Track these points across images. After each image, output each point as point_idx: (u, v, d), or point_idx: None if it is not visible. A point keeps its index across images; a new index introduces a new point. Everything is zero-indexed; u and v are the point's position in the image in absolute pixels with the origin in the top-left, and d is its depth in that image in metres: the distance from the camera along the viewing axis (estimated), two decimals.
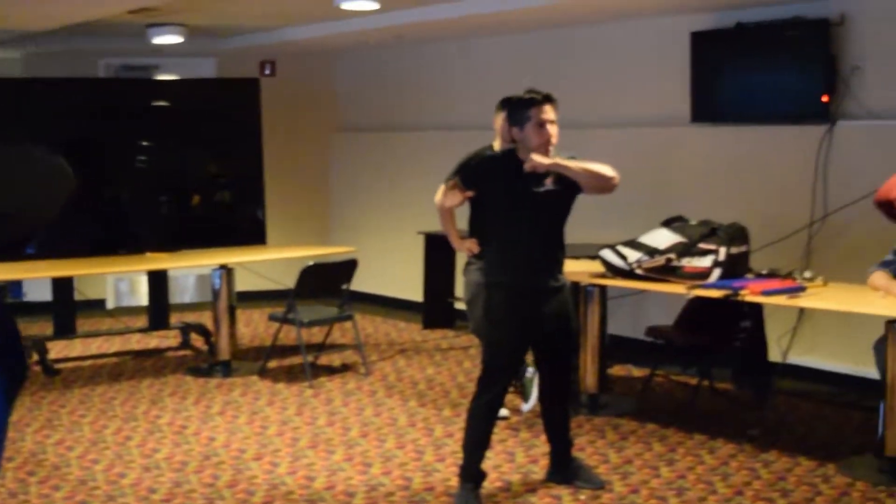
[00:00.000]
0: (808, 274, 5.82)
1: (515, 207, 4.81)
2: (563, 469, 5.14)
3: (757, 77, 7.18)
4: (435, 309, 9.12)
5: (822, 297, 5.51)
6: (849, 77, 6.69)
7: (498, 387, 4.88)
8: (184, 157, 9.03)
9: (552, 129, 4.72)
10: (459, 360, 7.92)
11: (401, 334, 9.00)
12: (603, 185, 4.78)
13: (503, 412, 6.05)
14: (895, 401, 5.07)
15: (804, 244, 6.84)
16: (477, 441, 4.88)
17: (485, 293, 4.90)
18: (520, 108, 4.74)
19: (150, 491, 5.13)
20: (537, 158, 4.68)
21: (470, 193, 4.96)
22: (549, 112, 4.72)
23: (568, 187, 4.80)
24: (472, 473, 4.86)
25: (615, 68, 8.20)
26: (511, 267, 4.80)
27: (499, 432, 5.77)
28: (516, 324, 4.81)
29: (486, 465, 5.02)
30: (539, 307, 4.81)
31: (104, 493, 5.09)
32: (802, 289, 5.57)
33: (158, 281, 8.52)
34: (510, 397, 6.37)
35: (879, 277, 5.38)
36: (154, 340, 8.76)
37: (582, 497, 4.95)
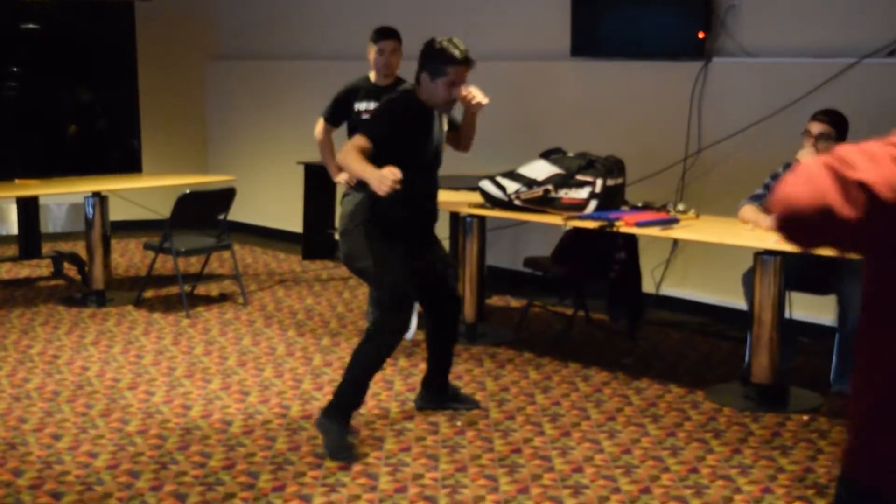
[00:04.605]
0: (681, 207, 5.95)
1: (427, 152, 4.84)
2: (439, 394, 5.20)
3: (636, 12, 7.24)
4: (314, 240, 9.06)
5: (694, 229, 5.65)
6: (724, 15, 6.80)
7: (404, 318, 4.78)
8: (55, 83, 8.76)
9: (461, 92, 4.77)
10: (339, 291, 7.92)
11: (280, 265, 8.94)
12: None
13: None
14: (761, 331, 5.24)
15: (678, 178, 6.98)
16: (364, 384, 4.74)
17: (380, 226, 4.83)
18: (441, 61, 4.64)
19: (20, 421, 5.03)
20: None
21: None
22: (465, 76, 4.72)
23: (451, 128, 5.11)
24: (349, 414, 4.74)
25: (495, 1, 8.18)
26: (416, 199, 4.81)
27: None
28: (413, 254, 4.84)
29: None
30: (427, 234, 4.94)
31: None
32: (675, 221, 5.69)
33: (29, 208, 8.28)
34: None
35: (749, 211, 5.52)
36: (25, 270, 8.54)
37: (458, 424, 5.02)
